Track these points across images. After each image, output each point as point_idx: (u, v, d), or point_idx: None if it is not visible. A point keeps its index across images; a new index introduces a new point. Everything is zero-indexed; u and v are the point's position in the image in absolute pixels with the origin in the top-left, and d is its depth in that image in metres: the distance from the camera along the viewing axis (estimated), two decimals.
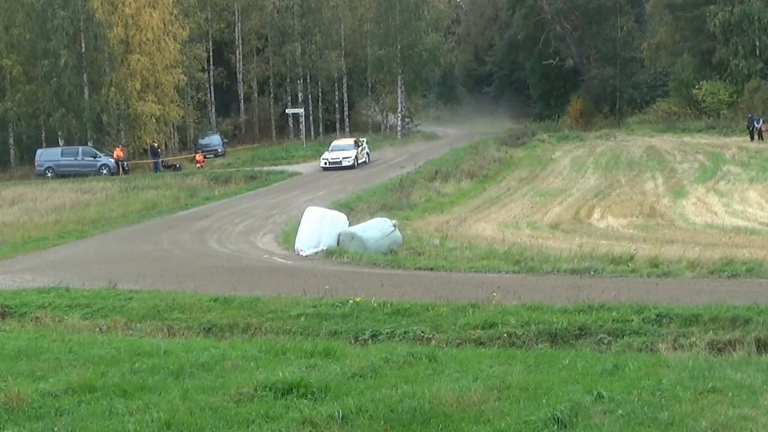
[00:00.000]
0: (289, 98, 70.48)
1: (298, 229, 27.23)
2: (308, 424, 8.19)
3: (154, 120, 58.90)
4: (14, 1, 59.30)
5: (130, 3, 58.20)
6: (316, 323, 15.99)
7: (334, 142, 53.74)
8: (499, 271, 20.74)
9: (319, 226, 26.43)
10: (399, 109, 69.99)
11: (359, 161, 51.66)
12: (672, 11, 65.98)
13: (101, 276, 22.09)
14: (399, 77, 69.05)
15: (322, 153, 53.61)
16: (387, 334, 15.14)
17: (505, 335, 14.49)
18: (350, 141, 53.59)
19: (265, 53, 71.29)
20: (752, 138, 53.39)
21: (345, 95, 72.01)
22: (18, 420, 8.59)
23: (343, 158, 49.90)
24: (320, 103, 71.99)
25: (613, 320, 14.58)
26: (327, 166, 49.87)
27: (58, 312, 18.05)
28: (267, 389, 9.23)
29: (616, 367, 10.27)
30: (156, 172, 54.05)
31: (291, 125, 70.25)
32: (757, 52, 61.09)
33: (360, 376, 10.11)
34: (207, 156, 58.85)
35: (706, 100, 62.03)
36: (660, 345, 13.58)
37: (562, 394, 8.90)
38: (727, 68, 61.84)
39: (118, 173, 53.72)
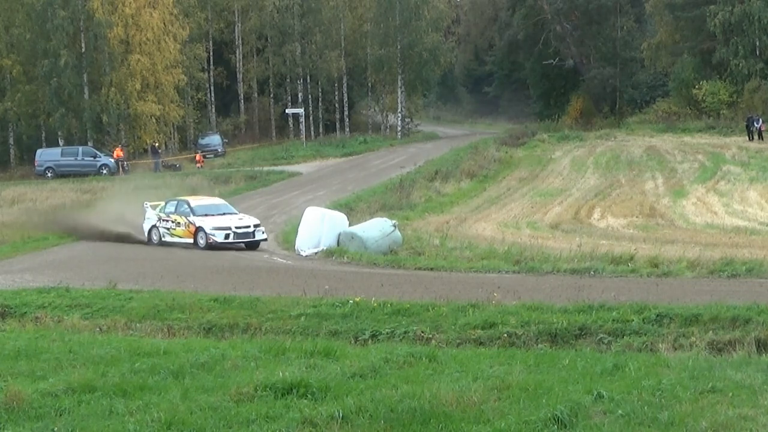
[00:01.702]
0: (289, 98, 70.41)
1: (298, 229, 27.26)
2: (308, 424, 8.19)
3: (154, 120, 58.83)
4: (14, 1, 59.21)
5: (130, 3, 58.14)
6: (316, 323, 16.01)
7: (198, 203, 30.97)
8: (499, 271, 20.78)
9: (319, 226, 26.44)
10: (399, 109, 69.95)
11: None
12: (672, 11, 65.90)
13: (101, 276, 22.07)
14: (399, 77, 69.02)
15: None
16: (387, 334, 15.16)
17: (505, 335, 14.51)
18: (219, 200, 32.74)
19: (265, 53, 71.23)
20: (750, 138, 53.34)
21: (345, 95, 71.92)
22: (18, 420, 8.59)
23: (254, 226, 29.50)
24: (320, 103, 71.91)
25: (613, 320, 14.60)
26: (230, 240, 28.93)
27: (58, 312, 18.05)
28: (267, 389, 9.24)
29: (616, 367, 10.28)
30: (156, 172, 54.02)
31: (291, 125, 70.17)
32: (757, 52, 61.04)
33: (360, 376, 10.12)
34: (207, 156, 58.77)
35: (706, 100, 61.96)
36: (660, 345, 13.60)
37: (562, 394, 8.91)
38: (727, 68, 61.76)
39: (118, 173, 53.69)
